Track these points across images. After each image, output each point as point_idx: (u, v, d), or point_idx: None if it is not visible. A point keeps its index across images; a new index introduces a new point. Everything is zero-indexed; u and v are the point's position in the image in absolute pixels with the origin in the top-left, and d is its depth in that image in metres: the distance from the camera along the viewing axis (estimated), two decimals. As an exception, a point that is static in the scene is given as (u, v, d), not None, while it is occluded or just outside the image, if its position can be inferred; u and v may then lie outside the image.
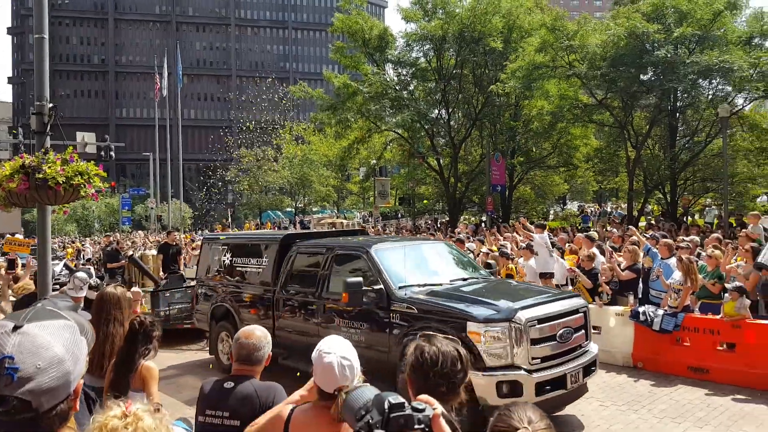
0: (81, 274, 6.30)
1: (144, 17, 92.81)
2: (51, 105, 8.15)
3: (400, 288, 6.62)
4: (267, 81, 65.77)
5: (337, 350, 2.38)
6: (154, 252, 14.44)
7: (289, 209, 49.79)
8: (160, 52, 63.83)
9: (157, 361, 3.72)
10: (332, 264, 7.53)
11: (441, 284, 6.92)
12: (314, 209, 48.90)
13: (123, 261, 14.13)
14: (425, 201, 33.22)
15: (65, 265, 23.53)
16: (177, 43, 73.42)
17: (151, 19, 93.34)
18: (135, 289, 9.17)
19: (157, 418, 1.59)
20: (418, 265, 7.30)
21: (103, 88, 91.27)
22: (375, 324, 6.67)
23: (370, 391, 1.90)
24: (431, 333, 2.43)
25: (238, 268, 9.05)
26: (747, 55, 18.22)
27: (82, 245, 36.51)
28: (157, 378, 3.59)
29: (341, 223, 31.17)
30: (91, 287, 6.24)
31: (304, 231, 11.03)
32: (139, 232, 43.59)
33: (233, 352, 3.13)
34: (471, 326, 5.81)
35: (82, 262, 26.25)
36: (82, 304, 5.85)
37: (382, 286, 6.64)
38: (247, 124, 53.91)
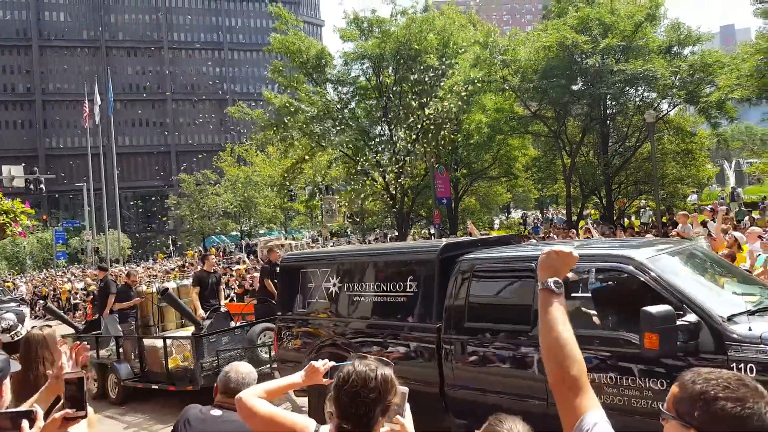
0: (9, 315, 5.95)
1: (71, 43, 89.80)
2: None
3: (728, 320, 4.16)
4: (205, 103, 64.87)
5: None
6: (177, 283, 11.47)
7: (234, 233, 49.05)
8: (90, 79, 62.09)
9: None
10: None
11: (765, 308, 4.55)
12: (261, 231, 48.35)
13: (136, 299, 11.45)
14: (372, 218, 33.44)
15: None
16: (107, 68, 71.82)
17: (79, 44, 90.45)
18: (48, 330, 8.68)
19: None
20: (710, 281, 4.96)
21: (30, 118, 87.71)
22: None
23: None
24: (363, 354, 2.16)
25: (354, 298, 6.66)
26: (668, 64, 19.36)
27: (14, 283, 34.97)
28: (96, 424, 3.46)
29: (289, 244, 30.92)
30: (3, 330, 5.71)
31: (462, 240, 8.20)
32: (77, 266, 42.02)
33: (220, 384, 3.15)
34: None
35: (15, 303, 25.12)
36: None
37: (697, 319, 4.18)
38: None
